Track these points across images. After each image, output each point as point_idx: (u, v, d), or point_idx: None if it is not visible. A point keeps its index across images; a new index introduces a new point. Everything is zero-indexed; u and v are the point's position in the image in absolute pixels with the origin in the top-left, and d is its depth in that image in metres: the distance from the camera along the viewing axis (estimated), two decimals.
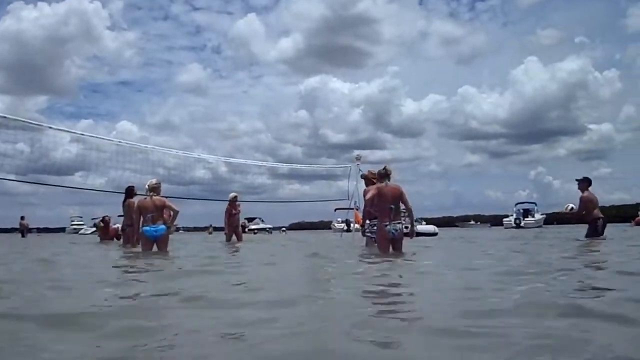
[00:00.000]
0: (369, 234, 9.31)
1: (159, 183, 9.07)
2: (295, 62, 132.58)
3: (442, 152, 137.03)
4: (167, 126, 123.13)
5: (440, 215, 72.05)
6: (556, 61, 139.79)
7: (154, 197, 8.69)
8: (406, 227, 8.29)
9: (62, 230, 63.94)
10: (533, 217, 46.58)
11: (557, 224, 50.64)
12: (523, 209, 48.88)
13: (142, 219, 8.73)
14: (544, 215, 48.98)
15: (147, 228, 8.54)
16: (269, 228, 51.88)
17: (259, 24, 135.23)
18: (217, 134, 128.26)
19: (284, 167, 21.05)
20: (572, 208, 11.56)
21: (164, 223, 8.73)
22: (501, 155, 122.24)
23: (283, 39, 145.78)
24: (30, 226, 29.48)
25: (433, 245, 11.14)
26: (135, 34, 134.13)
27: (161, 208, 8.70)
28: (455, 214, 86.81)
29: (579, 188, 11.14)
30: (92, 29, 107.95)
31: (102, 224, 14.92)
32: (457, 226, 58.68)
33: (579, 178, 11.26)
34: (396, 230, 7.75)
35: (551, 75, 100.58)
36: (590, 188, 11.12)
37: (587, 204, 10.99)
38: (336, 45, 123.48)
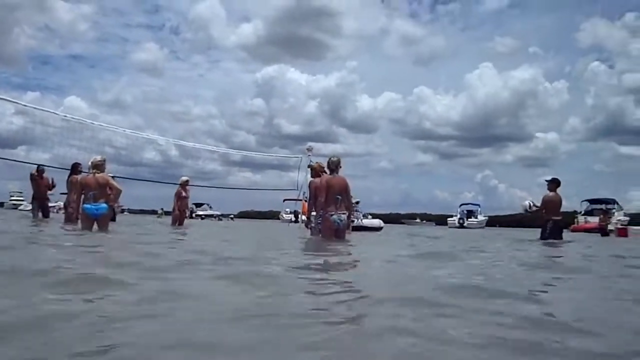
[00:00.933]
0: (313, 226, 9.49)
1: (104, 160, 8.82)
2: (254, 49, 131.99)
3: (394, 149, 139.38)
4: (119, 104, 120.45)
5: (387, 212, 73.44)
6: (510, 69, 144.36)
7: (97, 174, 8.49)
8: (352, 221, 8.61)
9: (1, 205, 61.53)
10: (476, 218, 48.34)
11: (499, 226, 52.56)
12: (467, 210, 50.52)
13: (83, 196, 8.55)
14: (487, 217, 50.84)
15: (89, 206, 8.34)
16: (218, 215, 51.57)
17: (219, 7, 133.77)
18: (170, 116, 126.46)
19: (236, 154, 21.09)
20: (530, 204, 11.62)
21: (106, 202, 8.56)
22: (451, 157, 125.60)
23: (244, 24, 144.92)
24: None
25: (373, 239, 11.45)
26: (91, 7, 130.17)
27: (104, 186, 8.47)
28: (402, 211, 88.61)
29: (547, 188, 11.28)
30: None
31: (35, 174, 13.76)
32: (403, 223, 59.82)
33: (548, 179, 11.42)
34: (341, 221, 8.06)
35: (504, 82, 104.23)
36: (558, 190, 11.29)
37: (547, 204, 11.13)
38: (297, 36, 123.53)
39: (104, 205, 8.42)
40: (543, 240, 10.66)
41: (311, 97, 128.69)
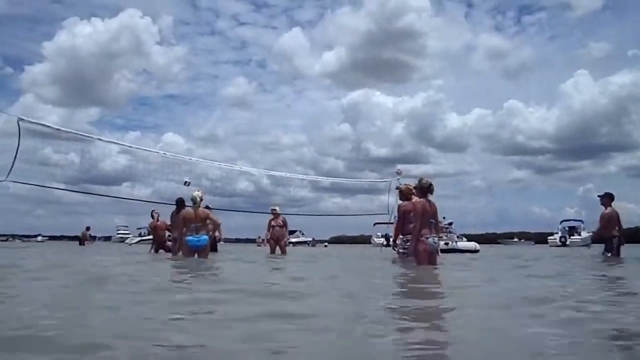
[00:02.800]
0: (402, 250, 9.19)
1: (201, 195, 9.41)
2: (338, 76, 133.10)
3: (487, 167, 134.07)
4: (212, 139, 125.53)
5: (482, 232, 70.75)
6: (607, 75, 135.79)
7: (197, 208, 9.08)
8: (446, 244, 8.33)
9: (108, 239, 65.73)
10: (579, 235, 45.12)
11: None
12: (569, 227, 47.62)
13: (184, 228, 9.08)
14: (591, 233, 47.37)
15: (191, 238, 8.88)
16: (311, 241, 52.13)
17: (303, 38, 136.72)
18: (261, 146, 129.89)
19: (325, 181, 21.22)
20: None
21: (206, 234, 9.10)
22: (548, 171, 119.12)
23: (327, 52, 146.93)
24: (92, 234, 29.56)
25: (471, 263, 11.00)
26: (183, 49, 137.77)
27: (204, 219, 9.08)
28: (499, 230, 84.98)
29: (601, 204, 10.82)
30: (142, 44, 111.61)
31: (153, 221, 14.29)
32: (499, 243, 57.35)
33: (600, 194, 10.94)
34: (435, 243, 7.84)
35: (602, 88, 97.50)
36: (613, 204, 10.80)
37: (603, 221, 10.72)
38: (380, 59, 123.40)
39: (205, 237, 8.98)
40: None
41: (398, 119, 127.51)
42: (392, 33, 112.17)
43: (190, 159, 15.10)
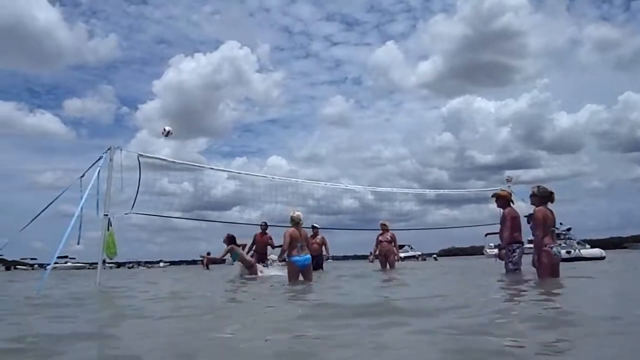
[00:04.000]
0: (510, 262, 8.65)
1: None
2: (436, 84, 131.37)
3: (605, 166, 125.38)
4: (314, 158, 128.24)
5: (606, 237, 65.29)
6: None
7: (301, 228, 9.20)
8: (567, 252, 7.75)
9: (222, 262, 68.53)
10: None
11: None
12: None
13: (291, 248, 9.15)
14: None
15: (297, 258, 8.97)
16: (420, 255, 51.22)
17: (397, 51, 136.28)
18: (362, 163, 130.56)
19: (430, 193, 20.72)
20: None
21: (310, 253, 9.21)
22: None
23: (422, 62, 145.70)
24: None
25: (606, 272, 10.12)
26: (281, 74, 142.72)
27: (307, 239, 9.23)
28: (624, 234, 78.09)
29: None
30: (242, 73, 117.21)
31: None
32: (625, 248, 52.78)
33: None
34: (559, 253, 7.34)
35: None
36: None
37: None
38: (479, 64, 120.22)
39: (309, 256, 9.07)
40: None
41: (502, 124, 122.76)
42: (490, 35, 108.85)
43: (295, 180, 15.35)
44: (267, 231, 15.09)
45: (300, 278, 9.01)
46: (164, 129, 12.09)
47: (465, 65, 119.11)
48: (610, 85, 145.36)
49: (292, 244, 9.06)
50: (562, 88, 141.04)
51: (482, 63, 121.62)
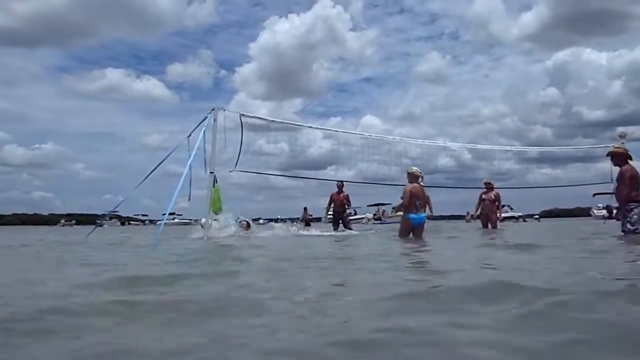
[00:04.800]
0: (628, 222, 8.13)
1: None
2: (540, 37, 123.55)
3: None
4: (409, 117, 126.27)
5: None
6: None
7: (422, 185, 9.08)
8: None
9: (318, 219, 70.01)
10: None
11: None
12: None
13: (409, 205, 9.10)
14: None
15: (414, 215, 8.91)
16: (521, 216, 49.50)
17: (497, 1, 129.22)
18: (459, 121, 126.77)
19: (533, 151, 19.76)
20: None
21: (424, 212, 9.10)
22: None
23: (525, 13, 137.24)
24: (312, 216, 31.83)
25: None
26: (374, 32, 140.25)
27: (425, 197, 9.09)
28: None
29: None
30: (336, 32, 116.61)
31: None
32: None
33: None
34: None
35: None
36: None
37: None
38: (588, 12, 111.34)
39: (424, 215, 8.95)
40: None
41: (615, 76, 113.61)
42: None
43: (392, 138, 15.21)
44: (343, 190, 15.40)
45: (411, 235, 9.02)
46: None
47: (573, 14, 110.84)
48: None
49: (411, 200, 8.97)
50: None
51: (592, 10, 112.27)
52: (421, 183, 9.10)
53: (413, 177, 9.02)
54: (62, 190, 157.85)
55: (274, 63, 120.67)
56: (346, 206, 15.63)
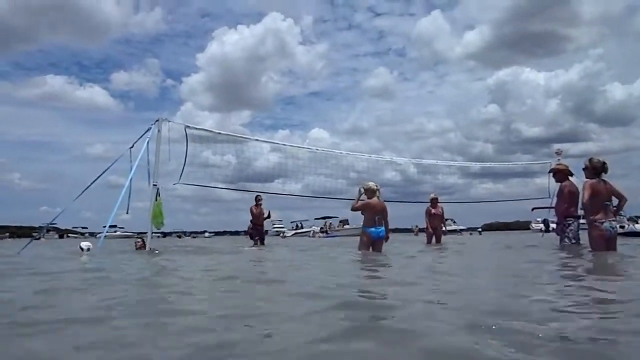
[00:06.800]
0: (566, 237, 8.40)
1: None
2: (483, 55, 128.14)
3: None
4: (356, 131, 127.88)
5: None
6: None
7: (380, 199, 9.09)
8: (621, 227, 7.49)
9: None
10: None
11: None
12: None
13: (365, 218, 9.07)
14: None
15: (373, 229, 8.92)
16: (463, 229, 50.80)
17: (442, 20, 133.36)
18: (405, 136, 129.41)
19: (475, 166, 20.33)
20: None
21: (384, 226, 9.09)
22: None
23: (469, 32, 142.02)
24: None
25: None
26: (324, 46, 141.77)
27: (385, 211, 9.10)
28: None
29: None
30: (285, 45, 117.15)
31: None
32: None
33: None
34: (613, 228, 7.08)
35: None
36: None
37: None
38: (528, 33, 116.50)
39: (383, 229, 8.94)
40: None
41: (551, 95, 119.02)
42: (540, 3, 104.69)
43: (339, 152, 15.30)
44: (260, 203, 15.52)
45: (370, 249, 9.01)
46: None
47: (515, 35, 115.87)
48: None
49: (372, 215, 8.97)
50: (616, 58, 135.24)
51: (532, 32, 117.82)
52: (379, 197, 9.13)
53: (370, 192, 9.04)
54: None
55: (222, 74, 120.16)
56: (265, 220, 15.82)
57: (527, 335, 2.01)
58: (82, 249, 10.25)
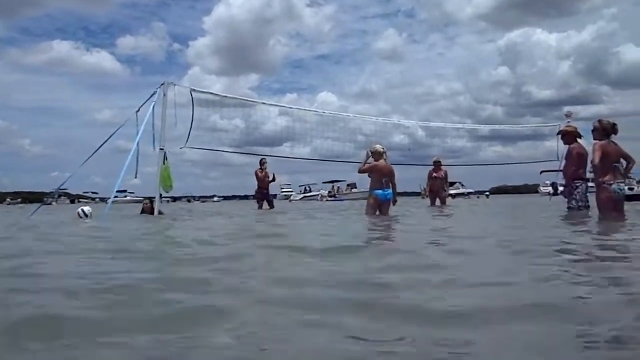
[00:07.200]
0: (573, 199, 8.35)
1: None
2: (494, 16, 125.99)
3: None
4: (365, 94, 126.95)
5: None
6: None
7: (387, 162, 9.10)
8: (630, 189, 7.43)
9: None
10: None
11: None
12: None
13: (372, 181, 9.17)
14: None
15: (380, 191, 8.96)
16: (471, 192, 50.74)
17: None
18: (414, 99, 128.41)
19: (484, 129, 20.17)
20: None
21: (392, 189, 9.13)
22: None
23: None
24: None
25: None
26: (331, 7, 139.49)
27: (393, 174, 9.13)
28: None
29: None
30: (293, 7, 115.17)
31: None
32: None
33: None
34: (621, 190, 7.04)
35: None
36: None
37: None
38: None
39: (390, 191, 8.99)
40: None
41: (563, 57, 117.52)
42: None
43: (346, 115, 15.22)
44: (265, 166, 15.47)
45: (377, 212, 9.07)
46: None
47: None
48: None
49: (378, 176, 9.00)
50: (631, 19, 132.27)
51: None
52: (386, 159, 9.13)
53: (377, 155, 9.05)
54: (8, 168, 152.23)
55: (229, 38, 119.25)
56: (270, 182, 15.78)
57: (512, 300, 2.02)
58: (81, 214, 10.09)
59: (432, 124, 18.39)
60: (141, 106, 11.27)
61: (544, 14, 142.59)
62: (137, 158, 10.92)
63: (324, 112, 14.80)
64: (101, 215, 10.33)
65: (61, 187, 15.73)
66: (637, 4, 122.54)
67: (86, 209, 10.41)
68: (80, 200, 74.22)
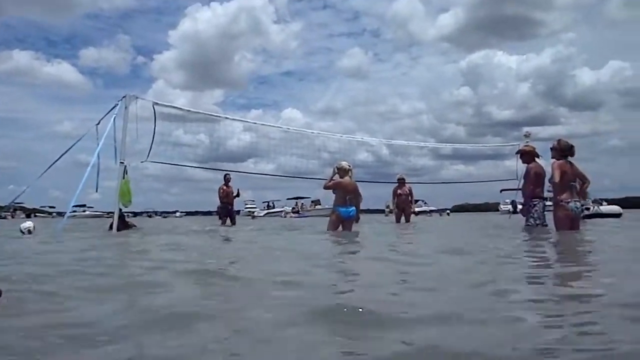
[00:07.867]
0: (531, 217, 8.47)
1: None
2: (456, 38, 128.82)
3: (627, 125, 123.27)
4: (330, 111, 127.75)
5: (624, 196, 64.70)
6: None
7: (352, 180, 9.10)
8: (586, 209, 7.66)
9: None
10: None
11: None
12: None
13: (336, 198, 9.12)
14: None
15: (344, 209, 8.96)
16: (433, 210, 51.38)
17: (416, 2, 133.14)
18: (378, 117, 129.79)
19: (446, 147, 20.53)
20: None
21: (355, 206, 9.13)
22: None
23: (443, 15, 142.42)
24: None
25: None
26: (298, 25, 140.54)
27: (356, 192, 9.13)
28: None
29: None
30: (260, 23, 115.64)
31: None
32: None
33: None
34: (577, 208, 7.24)
35: None
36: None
37: None
38: (502, 16, 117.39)
39: (354, 208, 8.99)
40: None
41: (523, 79, 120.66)
42: None
43: (311, 132, 15.22)
44: (230, 183, 15.62)
45: (340, 228, 9.07)
46: None
47: (488, 18, 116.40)
48: (638, 43, 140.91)
49: (344, 194, 8.98)
50: (587, 44, 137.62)
51: (505, 16, 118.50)
52: (351, 177, 9.14)
53: (343, 172, 9.03)
54: None
55: (195, 52, 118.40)
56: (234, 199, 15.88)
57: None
58: (23, 230, 9.53)
59: (395, 142, 18.61)
60: (102, 119, 11.05)
61: (505, 36, 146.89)
62: (98, 172, 10.69)
63: (289, 129, 14.78)
64: (55, 230, 10.00)
65: (16, 201, 15.24)
66: (593, 30, 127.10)
67: (26, 225, 9.88)
68: (37, 215, 72.00)
